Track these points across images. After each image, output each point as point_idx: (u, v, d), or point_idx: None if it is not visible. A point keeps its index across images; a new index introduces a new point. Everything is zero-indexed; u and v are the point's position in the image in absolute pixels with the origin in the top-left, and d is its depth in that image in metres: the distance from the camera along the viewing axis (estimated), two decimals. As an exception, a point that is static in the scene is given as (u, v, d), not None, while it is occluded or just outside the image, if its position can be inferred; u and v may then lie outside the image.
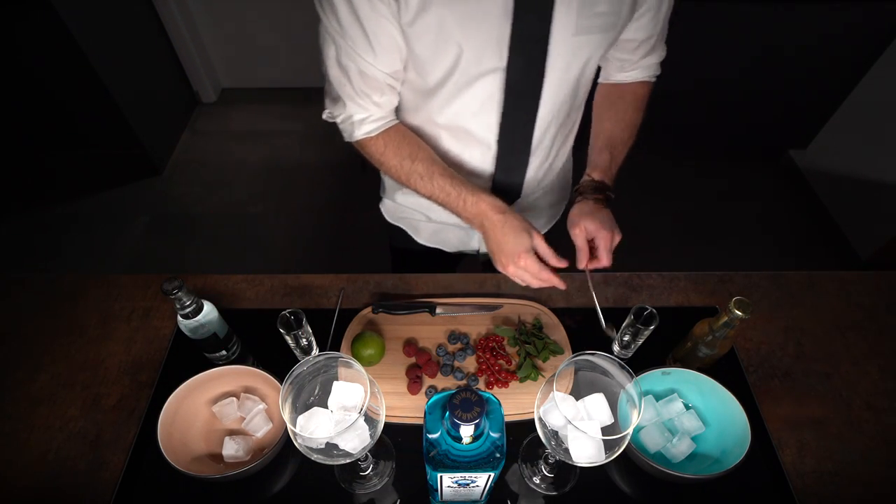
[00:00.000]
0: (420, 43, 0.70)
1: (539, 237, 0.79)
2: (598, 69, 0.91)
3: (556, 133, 0.88)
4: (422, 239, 1.09)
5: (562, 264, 0.80)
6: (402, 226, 1.09)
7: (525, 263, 0.77)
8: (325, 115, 0.83)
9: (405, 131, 0.84)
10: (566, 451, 0.60)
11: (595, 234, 0.81)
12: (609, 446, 0.58)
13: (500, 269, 0.82)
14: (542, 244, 0.78)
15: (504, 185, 0.92)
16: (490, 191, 0.84)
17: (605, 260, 0.81)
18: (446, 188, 0.81)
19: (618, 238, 0.82)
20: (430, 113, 0.83)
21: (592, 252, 0.82)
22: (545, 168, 0.95)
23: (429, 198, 0.84)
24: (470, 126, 0.82)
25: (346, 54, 0.72)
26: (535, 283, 0.80)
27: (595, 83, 0.92)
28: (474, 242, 1.08)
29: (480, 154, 0.87)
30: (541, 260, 0.79)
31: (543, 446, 0.65)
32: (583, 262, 0.82)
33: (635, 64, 0.89)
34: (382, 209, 1.10)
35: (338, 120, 0.82)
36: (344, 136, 0.83)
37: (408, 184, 0.84)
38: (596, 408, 0.62)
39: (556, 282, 0.79)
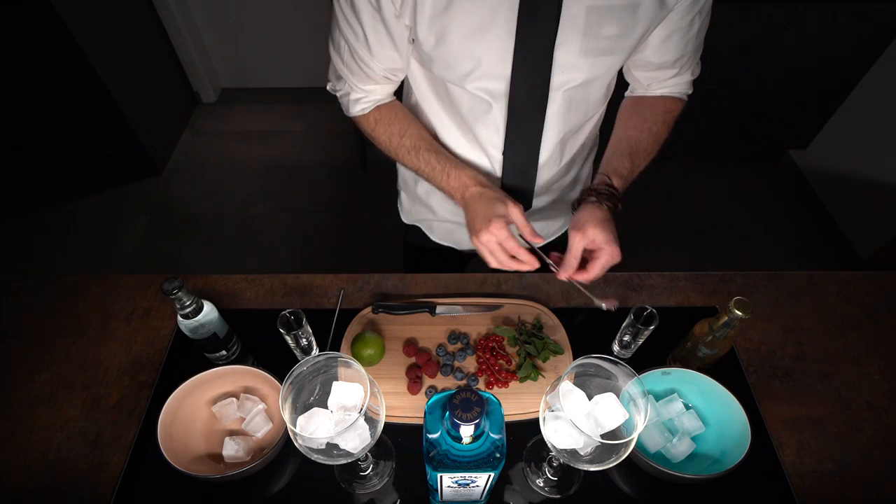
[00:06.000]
0: (427, 43, 0.71)
1: (516, 208, 0.75)
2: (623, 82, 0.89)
3: (563, 150, 0.88)
4: (435, 237, 1.10)
5: (537, 240, 0.75)
6: (418, 225, 1.11)
7: (496, 229, 0.72)
8: (328, 87, 0.88)
9: (398, 108, 0.87)
10: (572, 454, 0.60)
11: (600, 247, 0.73)
12: (616, 449, 0.58)
13: (473, 239, 0.76)
14: (518, 215, 0.74)
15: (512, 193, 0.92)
16: None
17: (593, 274, 0.73)
18: (431, 162, 0.82)
19: (618, 259, 0.74)
20: (439, 105, 0.85)
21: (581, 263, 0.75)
22: (558, 185, 0.95)
23: (416, 171, 0.85)
24: (477, 131, 0.83)
25: (349, 45, 0.75)
26: (505, 259, 0.74)
27: (614, 97, 0.90)
28: None
29: (487, 160, 0.88)
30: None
31: (547, 449, 0.65)
32: (568, 272, 0.74)
33: (663, 83, 0.85)
34: (400, 209, 1.13)
35: (338, 94, 0.86)
36: (342, 108, 0.88)
37: (396, 158, 0.87)
38: (607, 410, 0.62)
39: (524, 257, 0.73)
